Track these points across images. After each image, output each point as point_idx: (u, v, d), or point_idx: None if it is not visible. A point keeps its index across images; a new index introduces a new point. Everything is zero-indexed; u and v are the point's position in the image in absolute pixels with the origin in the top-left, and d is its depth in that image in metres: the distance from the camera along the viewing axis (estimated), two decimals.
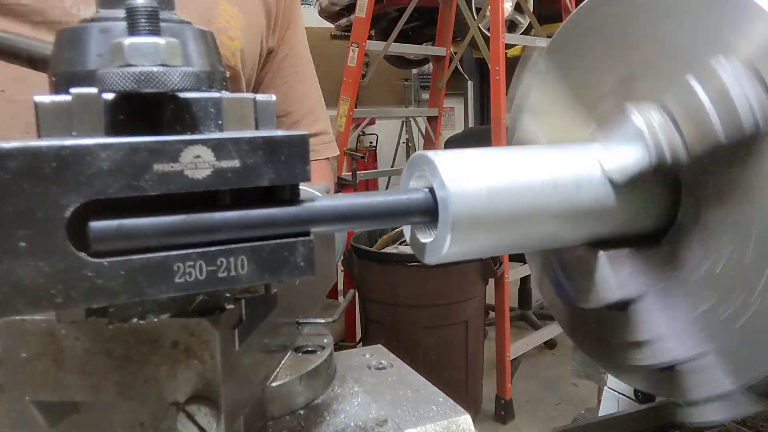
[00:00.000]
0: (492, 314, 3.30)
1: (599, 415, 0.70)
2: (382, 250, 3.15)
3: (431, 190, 0.36)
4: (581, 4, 0.48)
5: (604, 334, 0.46)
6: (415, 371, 0.53)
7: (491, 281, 3.13)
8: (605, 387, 0.73)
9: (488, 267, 2.99)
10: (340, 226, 0.33)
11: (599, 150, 0.41)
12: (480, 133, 4.11)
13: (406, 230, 0.39)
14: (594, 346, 0.49)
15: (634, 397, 0.69)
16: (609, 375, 0.72)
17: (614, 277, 0.42)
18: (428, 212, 0.35)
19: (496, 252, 0.41)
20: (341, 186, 3.06)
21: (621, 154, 0.39)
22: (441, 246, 0.36)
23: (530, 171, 0.38)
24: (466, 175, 0.36)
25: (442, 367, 2.93)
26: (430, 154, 0.36)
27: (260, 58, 0.96)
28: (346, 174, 3.18)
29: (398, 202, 0.35)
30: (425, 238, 0.37)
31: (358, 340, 3.08)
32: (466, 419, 0.45)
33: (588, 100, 0.46)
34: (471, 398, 3.11)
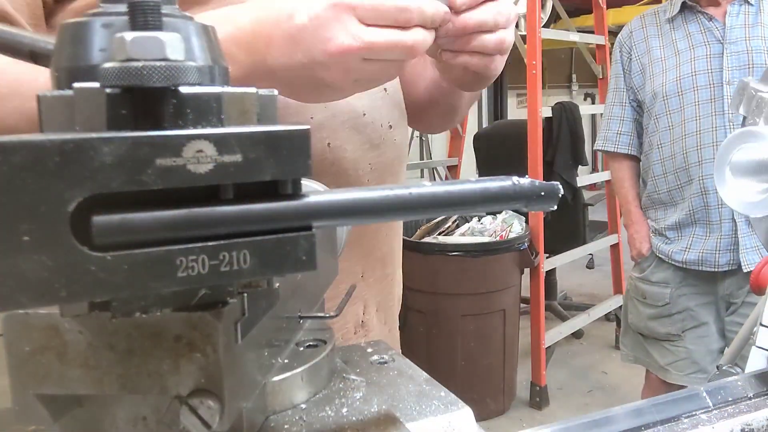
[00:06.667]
0: (521, 305, 3.32)
1: (746, 372, 0.68)
2: (422, 240, 3.14)
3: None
4: None
5: None
6: (416, 366, 0.53)
7: (526, 272, 3.13)
8: (753, 346, 0.71)
9: (526, 257, 2.99)
10: (341, 220, 0.33)
11: None
12: (510, 127, 4.13)
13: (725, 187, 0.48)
14: None
15: None
16: (758, 334, 0.71)
17: None
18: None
19: None
20: None
21: None
22: None
23: None
24: None
25: (480, 354, 2.97)
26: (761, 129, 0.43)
27: None
28: None
29: (401, 197, 0.35)
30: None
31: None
32: (467, 413, 0.45)
33: None
34: (507, 385, 3.14)
